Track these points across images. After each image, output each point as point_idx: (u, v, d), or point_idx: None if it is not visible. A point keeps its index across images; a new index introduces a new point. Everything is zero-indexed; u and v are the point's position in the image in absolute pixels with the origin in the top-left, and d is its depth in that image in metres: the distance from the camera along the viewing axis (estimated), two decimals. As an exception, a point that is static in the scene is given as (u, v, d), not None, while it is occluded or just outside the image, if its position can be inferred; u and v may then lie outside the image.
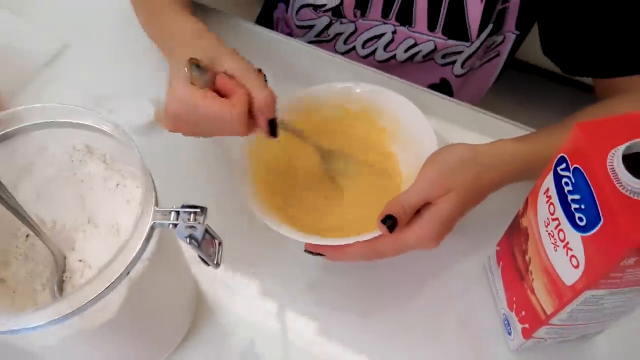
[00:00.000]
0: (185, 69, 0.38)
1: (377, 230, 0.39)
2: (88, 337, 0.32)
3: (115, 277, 0.28)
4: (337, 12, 0.60)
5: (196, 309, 0.43)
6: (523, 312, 0.39)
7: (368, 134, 0.50)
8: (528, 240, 0.38)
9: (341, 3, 0.59)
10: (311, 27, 0.64)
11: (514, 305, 0.41)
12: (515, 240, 0.40)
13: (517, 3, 0.56)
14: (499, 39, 0.61)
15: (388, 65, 0.63)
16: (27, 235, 0.36)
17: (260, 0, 0.74)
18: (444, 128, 0.52)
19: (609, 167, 0.29)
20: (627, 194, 0.28)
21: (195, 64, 0.38)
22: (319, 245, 0.41)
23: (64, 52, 0.57)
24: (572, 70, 0.54)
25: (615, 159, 0.29)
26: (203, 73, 0.39)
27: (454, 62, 0.62)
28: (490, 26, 0.57)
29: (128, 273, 0.29)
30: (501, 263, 0.43)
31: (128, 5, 0.54)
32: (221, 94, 0.39)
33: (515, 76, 0.83)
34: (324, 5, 0.60)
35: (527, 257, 0.38)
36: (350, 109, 0.50)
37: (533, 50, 0.58)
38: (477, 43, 0.58)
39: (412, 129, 0.47)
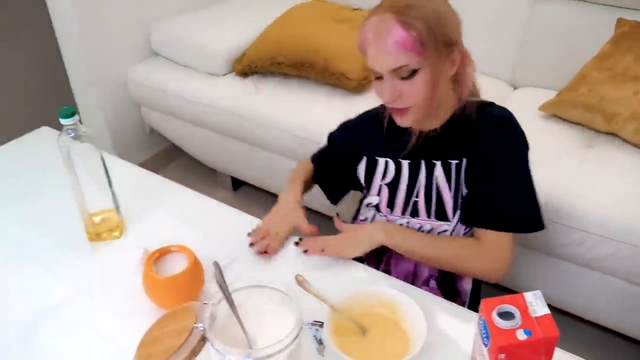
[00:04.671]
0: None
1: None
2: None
3: (283, 346, 0.70)
4: (378, 208, 1.13)
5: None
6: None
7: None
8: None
9: (379, 202, 1.12)
10: (366, 218, 1.17)
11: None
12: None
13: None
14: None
15: None
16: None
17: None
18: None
19: (492, 317, 0.69)
20: (499, 325, 0.68)
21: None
22: None
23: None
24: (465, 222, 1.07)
25: (493, 313, 0.69)
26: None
27: None
28: (459, 212, 1.05)
29: (287, 347, 0.70)
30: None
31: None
32: None
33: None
34: (371, 203, 1.13)
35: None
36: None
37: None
38: (453, 222, 1.06)
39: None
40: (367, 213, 1.17)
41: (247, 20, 2.17)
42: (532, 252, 1.53)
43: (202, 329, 0.72)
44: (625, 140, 1.53)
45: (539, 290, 0.71)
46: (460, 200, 1.05)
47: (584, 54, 1.74)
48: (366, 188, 1.16)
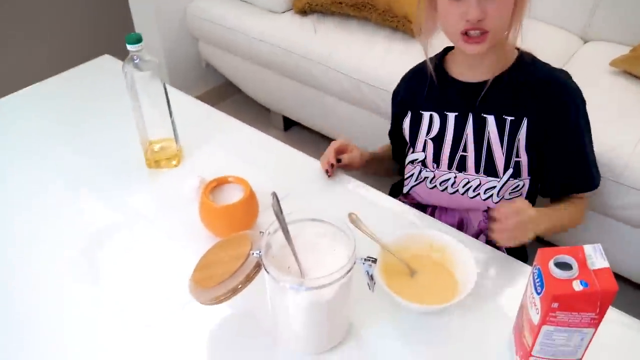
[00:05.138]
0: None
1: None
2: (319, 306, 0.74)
3: (336, 278, 0.71)
4: (424, 164, 1.10)
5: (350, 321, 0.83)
6: (520, 351, 0.76)
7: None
8: (523, 307, 0.75)
9: (425, 158, 1.09)
10: (412, 175, 1.13)
11: (517, 345, 0.77)
12: (521, 311, 0.78)
13: (526, 161, 1.02)
14: (520, 183, 1.05)
15: (455, 197, 1.09)
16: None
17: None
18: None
19: (549, 266, 0.68)
20: (555, 275, 0.67)
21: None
22: None
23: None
24: (546, 195, 1.09)
25: (550, 263, 0.68)
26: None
27: (491, 196, 1.06)
28: (510, 170, 1.03)
29: (340, 279, 0.72)
30: (515, 323, 0.80)
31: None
32: None
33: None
34: (417, 159, 1.10)
35: (523, 316, 0.75)
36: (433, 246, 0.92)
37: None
38: (504, 179, 1.04)
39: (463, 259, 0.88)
40: (413, 169, 1.13)
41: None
42: (590, 213, 1.49)
43: (258, 255, 0.74)
44: (701, 102, 1.44)
45: (599, 244, 0.70)
46: (514, 158, 1.02)
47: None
48: (411, 144, 1.12)
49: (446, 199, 1.10)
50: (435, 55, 1.09)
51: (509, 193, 1.06)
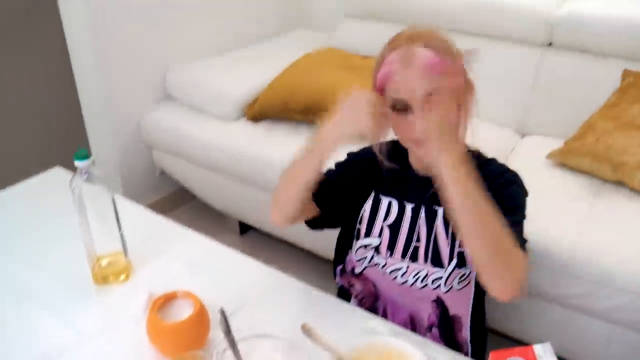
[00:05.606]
0: None
1: None
2: None
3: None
4: (377, 250, 1.10)
5: None
6: None
7: None
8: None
9: (380, 244, 1.09)
10: (364, 258, 1.12)
11: None
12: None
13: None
14: (467, 271, 1.06)
15: (404, 287, 1.09)
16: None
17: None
18: None
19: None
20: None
21: None
22: None
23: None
24: None
25: (503, 366, 0.68)
26: None
27: (439, 286, 1.07)
28: (454, 260, 1.04)
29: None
30: None
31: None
32: None
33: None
34: (371, 244, 1.10)
35: None
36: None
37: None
38: (449, 269, 1.05)
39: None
40: (365, 253, 1.13)
41: (261, 67, 2.21)
42: (541, 302, 1.51)
43: (206, 377, 0.71)
44: (633, 189, 1.52)
45: (548, 342, 0.71)
46: (457, 248, 1.05)
47: (591, 104, 1.75)
48: (367, 228, 1.12)
49: (396, 288, 1.11)
50: (394, 146, 1.11)
51: (457, 282, 1.08)
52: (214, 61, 2.31)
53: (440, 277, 1.07)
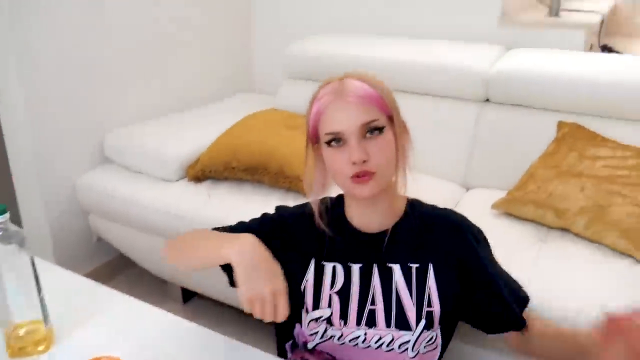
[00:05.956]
0: None
1: None
2: None
3: None
4: (329, 321, 1.00)
5: None
6: None
7: None
8: None
9: (331, 315, 0.99)
10: (316, 332, 1.01)
11: None
12: None
13: (438, 310, 0.97)
14: (434, 334, 0.99)
15: (369, 350, 0.99)
16: None
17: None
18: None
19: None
20: None
21: None
22: None
23: None
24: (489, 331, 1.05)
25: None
26: None
27: (406, 349, 0.98)
28: (423, 322, 0.96)
29: None
30: None
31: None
32: None
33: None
34: (322, 316, 1.00)
35: None
36: None
37: None
38: (417, 332, 0.97)
39: None
40: (317, 327, 1.02)
41: (203, 128, 2.17)
42: (492, 354, 1.46)
43: None
44: (577, 235, 1.53)
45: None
46: (425, 307, 0.98)
47: (531, 155, 1.80)
48: (314, 300, 1.01)
49: (360, 353, 1.01)
50: (332, 204, 1.06)
51: (424, 347, 1.00)
52: (155, 123, 2.26)
53: (408, 341, 0.98)
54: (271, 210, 1.13)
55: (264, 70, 2.92)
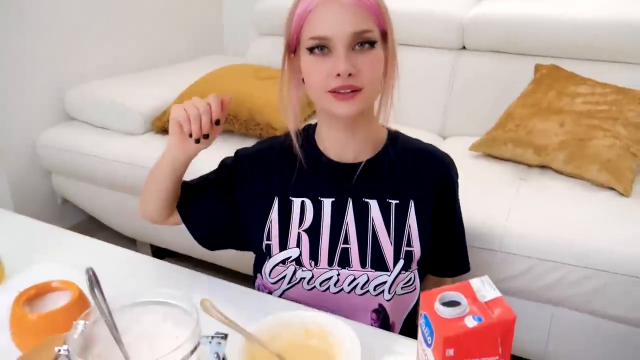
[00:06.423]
0: None
1: None
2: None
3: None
4: (298, 262, 0.91)
5: None
6: None
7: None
8: None
9: (300, 255, 0.90)
10: (284, 277, 0.92)
11: None
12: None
13: (418, 250, 0.90)
14: (412, 275, 0.92)
15: (340, 295, 0.91)
16: None
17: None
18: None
19: (435, 308, 0.56)
20: (444, 316, 0.55)
21: None
22: None
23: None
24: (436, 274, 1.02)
25: (436, 304, 0.56)
26: None
27: (382, 292, 0.90)
28: (401, 262, 0.88)
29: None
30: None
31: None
32: None
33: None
34: (290, 257, 0.91)
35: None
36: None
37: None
38: (395, 272, 0.89)
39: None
40: (284, 270, 0.92)
41: (169, 85, 2.08)
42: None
43: (65, 352, 0.55)
44: (557, 171, 1.49)
45: (486, 276, 0.60)
46: (404, 247, 0.90)
47: (509, 101, 1.75)
48: (281, 240, 0.92)
49: (330, 299, 0.92)
50: (301, 132, 0.94)
51: (401, 288, 0.92)
52: (118, 80, 2.16)
53: (384, 282, 0.90)
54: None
55: (235, 30, 2.82)
